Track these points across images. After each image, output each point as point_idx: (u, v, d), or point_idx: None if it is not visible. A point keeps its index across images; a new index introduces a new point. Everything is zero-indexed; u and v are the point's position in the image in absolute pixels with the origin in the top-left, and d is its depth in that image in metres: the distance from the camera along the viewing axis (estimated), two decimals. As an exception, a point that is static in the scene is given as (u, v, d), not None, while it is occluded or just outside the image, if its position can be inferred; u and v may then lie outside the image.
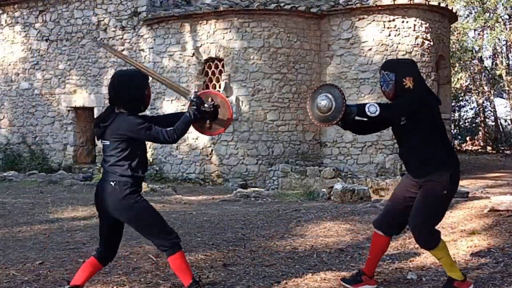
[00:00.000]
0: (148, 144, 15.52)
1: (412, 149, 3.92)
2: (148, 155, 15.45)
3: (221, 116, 3.93)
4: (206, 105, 3.84)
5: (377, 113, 3.76)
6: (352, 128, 4.10)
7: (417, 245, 5.32)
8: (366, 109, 3.77)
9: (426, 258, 4.95)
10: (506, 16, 26.44)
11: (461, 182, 13.10)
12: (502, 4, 24.83)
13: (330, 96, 3.83)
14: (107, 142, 3.71)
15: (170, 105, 14.98)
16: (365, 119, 3.90)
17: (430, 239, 3.88)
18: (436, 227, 3.95)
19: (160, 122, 3.86)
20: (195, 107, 3.77)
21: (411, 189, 3.97)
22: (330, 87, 3.90)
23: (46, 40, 17.30)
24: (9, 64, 18.02)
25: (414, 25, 14.56)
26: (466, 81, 28.54)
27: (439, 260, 4.01)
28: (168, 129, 3.72)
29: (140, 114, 3.80)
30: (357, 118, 3.88)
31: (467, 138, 27.87)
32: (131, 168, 3.69)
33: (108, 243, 3.85)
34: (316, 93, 3.92)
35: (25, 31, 17.71)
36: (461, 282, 3.94)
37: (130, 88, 3.70)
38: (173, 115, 4.04)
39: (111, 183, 3.68)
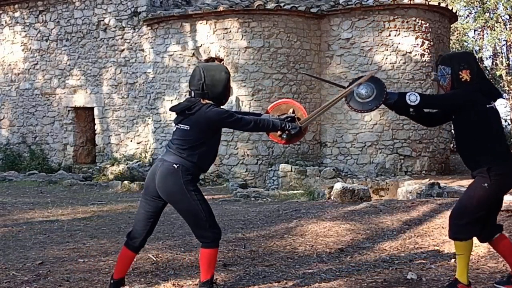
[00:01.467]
0: (148, 144, 15.53)
1: (461, 143, 3.96)
2: (148, 155, 15.49)
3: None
4: (292, 130, 4.05)
5: (417, 102, 3.85)
6: (415, 118, 4.16)
7: (417, 245, 5.34)
8: (407, 98, 3.87)
9: (426, 258, 4.95)
10: (507, 16, 26.44)
11: (461, 182, 13.12)
12: (502, 4, 24.82)
13: (372, 84, 3.99)
14: (187, 127, 3.80)
15: (170, 105, 14.96)
16: (413, 109, 3.98)
17: (458, 229, 3.86)
18: (474, 225, 3.89)
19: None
20: (289, 128, 4.03)
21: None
22: (372, 78, 4.05)
23: (46, 40, 17.30)
24: (9, 64, 18.02)
25: (414, 25, 14.56)
26: (466, 81, 28.52)
27: (457, 256, 3.94)
28: (252, 118, 3.95)
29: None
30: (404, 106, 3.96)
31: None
32: (199, 158, 3.80)
33: (144, 230, 3.94)
34: (355, 83, 4.07)
35: (25, 31, 17.71)
36: (465, 286, 3.92)
37: (216, 81, 3.84)
38: (254, 114, 4.25)
39: (174, 165, 3.76)
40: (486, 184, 3.79)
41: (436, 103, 4.04)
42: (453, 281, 4.00)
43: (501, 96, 4.05)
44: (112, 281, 4.03)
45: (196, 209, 3.80)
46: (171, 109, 3.95)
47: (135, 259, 4.99)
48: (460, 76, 3.89)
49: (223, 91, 3.88)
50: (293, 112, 4.11)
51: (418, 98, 3.85)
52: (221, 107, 3.91)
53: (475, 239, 4.01)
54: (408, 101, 3.86)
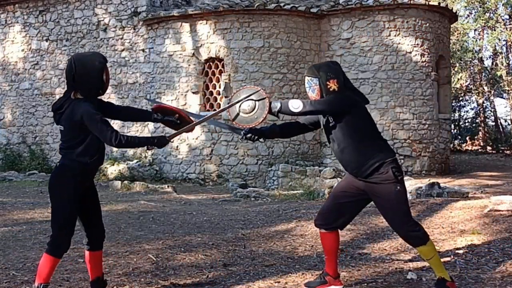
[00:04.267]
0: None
1: (346, 149, 3.90)
2: (148, 154, 15.49)
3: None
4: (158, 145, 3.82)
5: (300, 109, 3.82)
6: (276, 134, 4.17)
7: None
8: (290, 105, 3.84)
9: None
10: (507, 17, 26.44)
11: (461, 182, 13.13)
12: (503, 4, 24.82)
13: (253, 97, 3.92)
14: (62, 127, 3.71)
15: (170, 105, 14.95)
16: (291, 115, 3.96)
17: (416, 234, 3.86)
18: (421, 225, 3.99)
19: (118, 112, 3.93)
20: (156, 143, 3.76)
21: (352, 186, 4.00)
22: (248, 90, 3.99)
23: (46, 40, 17.30)
24: (9, 64, 18.02)
25: (414, 25, 14.56)
26: (466, 81, 28.54)
27: (429, 260, 3.94)
28: (121, 134, 3.67)
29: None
30: (281, 114, 3.95)
31: (467, 138, 27.86)
32: (79, 156, 3.70)
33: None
34: (236, 96, 4.01)
35: (25, 31, 17.71)
36: (451, 283, 3.93)
37: (88, 71, 3.63)
38: (136, 110, 4.12)
39: (57, 164, 3.80)
40: (398, 187, 3.84)
41: (318, 108, 3.88)
42: (439, 281, 3.97)
43: (368, 102, 4.04)
44: None
45: (55, 207, 3.72)
46: (51, 108, 3.84)
47: (135, 259, 5.00)
48: (328, 86, 3.89)
49: (97, 82, 3.66)
50: (178, 118, 3.92)
51: (301, 104, 3.81)
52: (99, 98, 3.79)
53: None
54: (292, 108, 3.83)
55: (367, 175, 3.87)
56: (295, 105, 3.82)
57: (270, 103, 3.90)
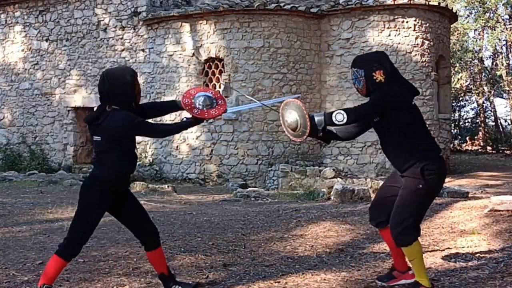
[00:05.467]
0: (148, 144, 15.53)
1: (389, 145, 3.91)
2: (148, 154, 15.48)
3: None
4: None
5: (344, 120, 3.79)
6: (335, 137, 4.14)
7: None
8: (333, 118, 3.80)
9: (426, 258, 4.94)
10: (507, 17, 26.44)
11: (461, 182, 13.14)
12: (503, 4, 24.82)
13: (295, 113, 3.92)
14: (99, 138, 3.77)
15: (170, 105, 14.97)
16: (337, 127, 3.93)
17: (403, 236, 3.81)
18: (420, 226, 3.89)
19: (148, 110, 4.02)
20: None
21: (396, 181, 3.98)
22: (292, 104, 3.98)
23: (46, 40, 17.30)
24: (9, 64, 18.02)
25: (414, 25, 14.56)
26: (466, 81, 28.55)
27: (411, 261, 3.90)
28: (161, 124, 3.92)
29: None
30: (328, 127, 3.93)
31: (467, 138, 27.87)
32: (114, 166, 3.80)
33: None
34: (283, 111, 4.02)
35: (25, 31, 17.71)
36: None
37: (120, 86, 3.76)
38: (165, 104, 4.23)
39: (90, 177, 3.92)
40: (420, 185, 3.77)
41: (360, 116, 3.87)
42: (414, 284, 3.94)
43: (418, 93, 3.99)
44: None
45: (80, 213, 3.81)
46: (84, 120, 3.94)
47: (135, 259, 5.00)
48: (374, 77, 3.84)
49: (129, 95, 3.80)
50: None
51: (345, 116, 3.77)
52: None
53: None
54: (336, 121, 3.79)
55: (403, 170, 3.86)
56: (339, 118, 3.78)
57: (311, 119, 3.83)
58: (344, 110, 3.83)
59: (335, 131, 4.12)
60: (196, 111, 3.86)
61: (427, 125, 4.02)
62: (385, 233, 4.06)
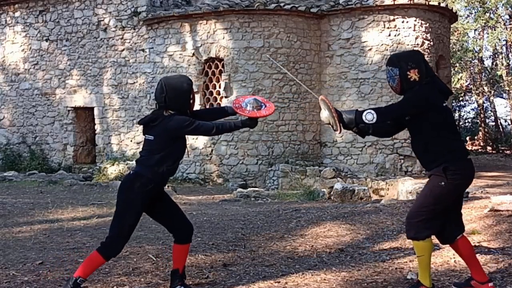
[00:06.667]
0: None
1: (417, 143, 3.94)
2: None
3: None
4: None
5: (374, 120, 3.83)
6: (372, 133, 4.15)
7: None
8: (364, 118, 3.85)
9: (426, 258, 4.94)
10: (507, 17, 26.44)
11: (461, 182, 13.11)
12: (503, 4, 24.82)
13: (326, 112, 4.02)
14: (151, 137, 3.97)
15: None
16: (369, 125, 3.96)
17: (415, 229, 3.81)
18: (432, 224, 3.83)
19: (202, 116, 4.20)
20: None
21: None
22: (322, 103, 4.05)
23: (46, 40, 17.30)
24: (9, 64, 18.02)
25: (414, 25, 14.56)
26: (466, 81, 28.55)
27: (418, 258, 3.90)
28: (213, 124, 4.06)
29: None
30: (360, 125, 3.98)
31: (467, 138, 27.88)
32: (162, 165, 3.97)
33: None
34: (321, 107, 4.09)
35: (25, 31, 17.71)
36: None
37: (178, 93, 3.98)
38: (216, 110, 4.47)
39: (136, 173, 4.03)
40: (443, 183, 3.78)
41: (391, 116, 3.93)
42: (415, 284, 3.95)
43: (452, 94, 4.01)
44: None
45: (121, 213, 3.94)
46: (139, 122, 4.11)
47: (135, 259, 5.00)
48: (409, 76, 3.86)
49: (186, 102, 4.01)
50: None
51: (375, 115, 3.82)
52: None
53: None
54: (366, 121, 3.85)
55: (429, 169, 3.90)
56: (369, 117, 3.84)
57: (340, 119, 3.91)
58: (374, 109, 3.87)
59: (370, 129, 4.12)
60: (247, 112, 4.12)
61: (457, 128, 4.02)
62: (454, 246, 4.00)
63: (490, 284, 3.90)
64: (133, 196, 3.89)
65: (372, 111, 3.84)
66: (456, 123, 27.70)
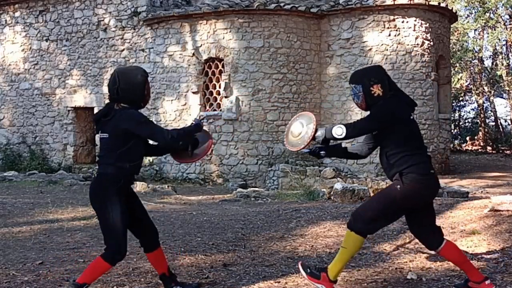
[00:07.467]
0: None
1: (383, 155, 3.95)
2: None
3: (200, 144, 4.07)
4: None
5: (343, 135, 3.84)
6: (339, 154, 4.18)
7: (417, 245, 5.33)
8: (333, 132, 3.86)
9: (426, 258, 4.95)
10: (507, 17, 26.44)
11: (461, 182, 13.13)
12: (503, 4, 24.82)
13: (303, 122, 4.00)
14: (106, 135, 3.77)
15: (170, 105, 14.98)
16: (339, 141, 3.98)
17: (357, 223, 3.82)
18: (384, 227, 3.95)
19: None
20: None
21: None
22: (305, 116, 4.07)
23: (46, 40, 17.30)
24: (9, 64, 18.02)
25: (414, 25, 14.56)
26: (466, 81, 28.55)
27: (341, 247, 3.89)
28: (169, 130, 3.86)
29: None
30: (332, 142, 3.99)
31: (467, 138, 27.88)
32: (123, 164, 3.80)
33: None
34: (292, 121, 4.11)
35: (25, 31, 17.71)
36: (329, 281, 3.86)
37: (131, 85, 3.78)
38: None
39: (100, 175, 3.86)
40: (398, 186, 3.79)
41: (359, 131, 3.91)
42: (319, 269, 3.94)
43: (416, 105, 4.02)
44: None
45: (107, 219, 3.76)
46: (93, 118, 3.94)
47: (135, 259, 5.00)
48: (372, 92, 3.87)
49: (140, 95, 3.82)
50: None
51: (344, 130, 3.82)
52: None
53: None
54: (335, 135, 3.84)
55: (390, 179, 3.93)
56: (338, 132, 3.84)
57: (315, 131, 3.91)
58: (344, 124, 3.88)
59: (351, 150, 4.19)
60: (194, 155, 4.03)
61: (423, 141, 4.01)
62: (442, 254, 3.99)
63: (487, 282, 3.90)
64: (107, 200, 3.72)
65: (342, 126, 3.86)
66: (454, 124, 27.65)
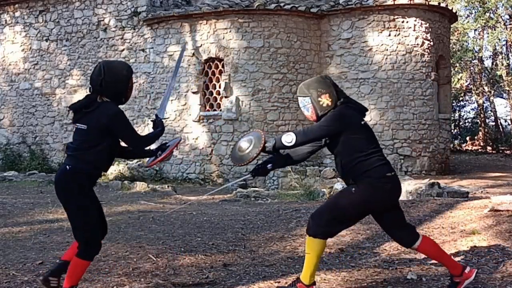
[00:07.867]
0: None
1: (338, 162, 3.94)
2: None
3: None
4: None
5: (293, 142, 3.82)
6: (286, 162, 4.13)
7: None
8: (283, 139, 3.84)
9: (426, 258, 4.94)
10: (507, 17, 26.44)
11: (461, 182, 13.13)
12: (503, 4, 24.83)
13: (250, 136, 4.00)
14: (84, 127, 3.71)
15: (170, 105, 14.98)
16: (286, 149, 3.94)
17: (314, 227, 3.83)
18: (344, 229, 3.92)
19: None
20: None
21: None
22: (254, 133, 4.06)
23: (46, 40, 17.31)
24: (9, 64, 18.02)
25: (414, 25, 14.56)
26: (466, 81, 28.55)
27: (306, 254, 3.91)
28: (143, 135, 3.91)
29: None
30: (281, 150, 3.95)
31: (467, 138, 27.87)
32: (96, 159, 3.76)
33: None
34: (239, 139, 4.10)
35: (25, 31, 17.71)
36: (307, 286, 3.87)
37: (116, 79, 3.76)
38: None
39: (67, 166, 3.79)
40: (353, 189, 3.79)
41: (309, 138, 3.89)
42: (294, 280, 3.96)
43: (367, 111, 4.01)
44: None
45: (79, 213, 3.75)
46: (70, 107, 3.85)
47: (135, 259, 5.00)
48: (321, 102, 3.86)
49: (123, 90, 3.80)
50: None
51: (294, 137, 3.80)
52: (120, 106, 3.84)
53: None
54: (285, 143, 3.82)
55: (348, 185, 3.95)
56: (288, 139, 3.82)
57: (265, 142, 3.90)
58: (294, 132, 3.88)
59: (291, 155, 4.11)
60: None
61: (378, 144, 3.98)
62: (420, 248, 3.99)
63: (467, 270, 3.94)
64: (85, 196, 3.73)
65: (292, 133, 3.85)
66: (454, 124, 27.66)
